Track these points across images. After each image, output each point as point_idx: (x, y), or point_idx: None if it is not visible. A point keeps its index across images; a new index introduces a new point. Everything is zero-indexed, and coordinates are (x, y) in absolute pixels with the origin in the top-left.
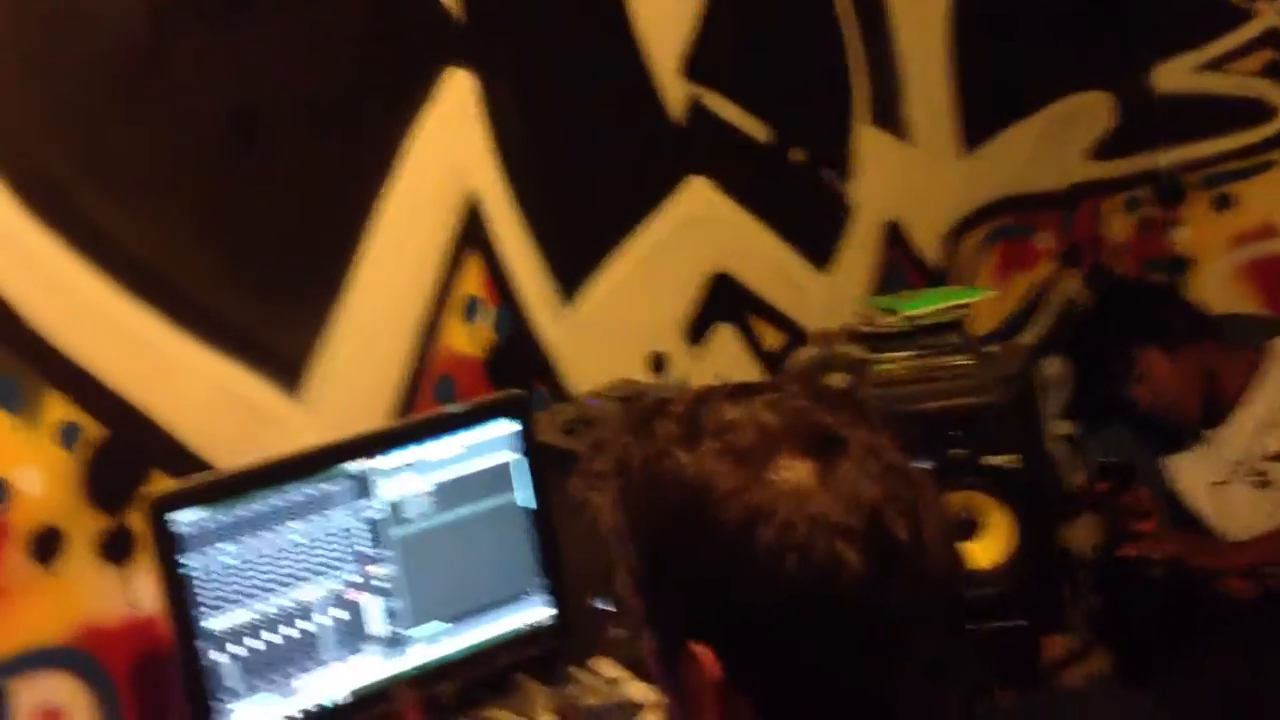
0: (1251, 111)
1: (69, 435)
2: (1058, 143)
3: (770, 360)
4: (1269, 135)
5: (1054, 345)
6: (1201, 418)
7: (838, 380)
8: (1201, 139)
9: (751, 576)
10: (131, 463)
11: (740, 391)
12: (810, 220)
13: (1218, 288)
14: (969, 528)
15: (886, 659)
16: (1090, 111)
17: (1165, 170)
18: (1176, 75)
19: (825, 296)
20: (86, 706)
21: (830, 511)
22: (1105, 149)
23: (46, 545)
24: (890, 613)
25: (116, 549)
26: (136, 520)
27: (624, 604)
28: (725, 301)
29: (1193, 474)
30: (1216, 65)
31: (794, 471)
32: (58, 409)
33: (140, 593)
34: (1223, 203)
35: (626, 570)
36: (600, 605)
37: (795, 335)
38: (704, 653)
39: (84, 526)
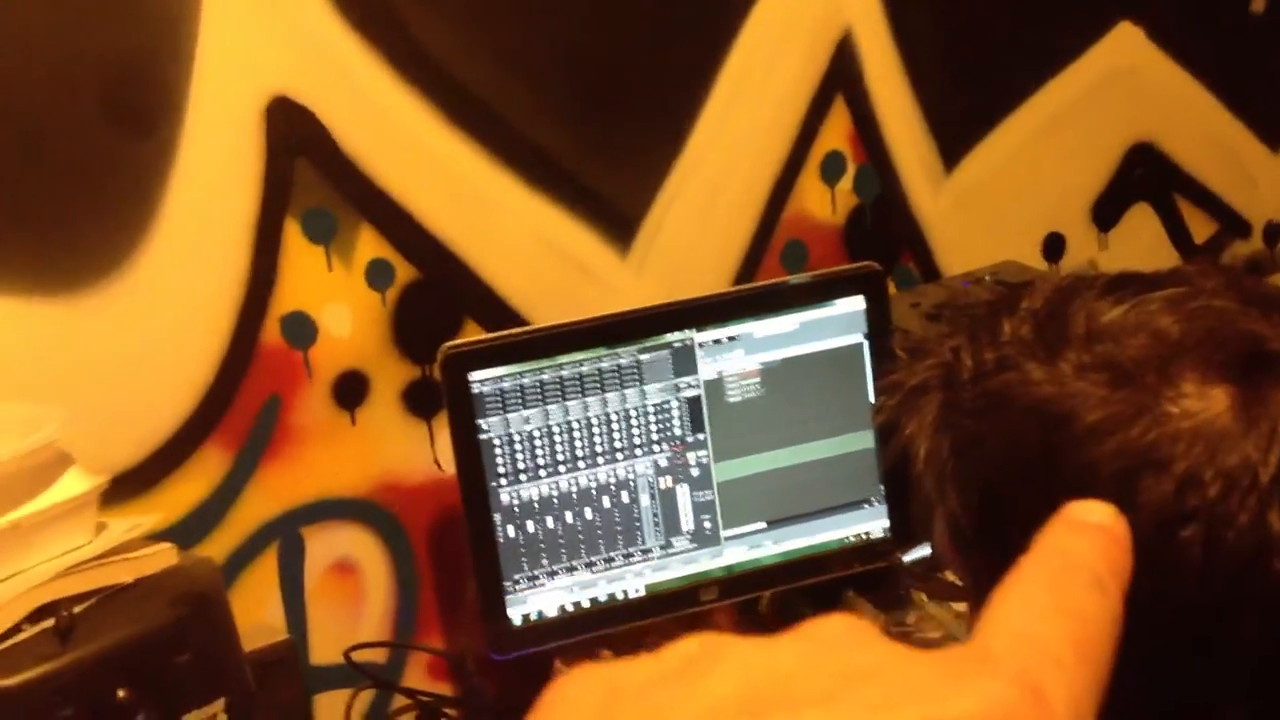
0: None
1: (380, 275)
2: None
3: (1197, 253)
4: None
5: None
6: None
7: None
8: None
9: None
10: (444, 310)
11: (1128, 284)
12: (1268, 85)
13: None
14: None
15: None
16: None
17: None
18: None
19: (1279, 180)
20: (382, 564)
21: (1259, 465)
22: None
23: (351, 391)
24: None
25: (423, 401)
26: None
27: (942, 561)
28: (1147, 179)
29: None
30: None
31: (1205, 401)
32: (370, 246)
33: (446, 451)
34: None
35: (945, 520)
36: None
37: (1236, 226)
38: None
39: (390, 374)
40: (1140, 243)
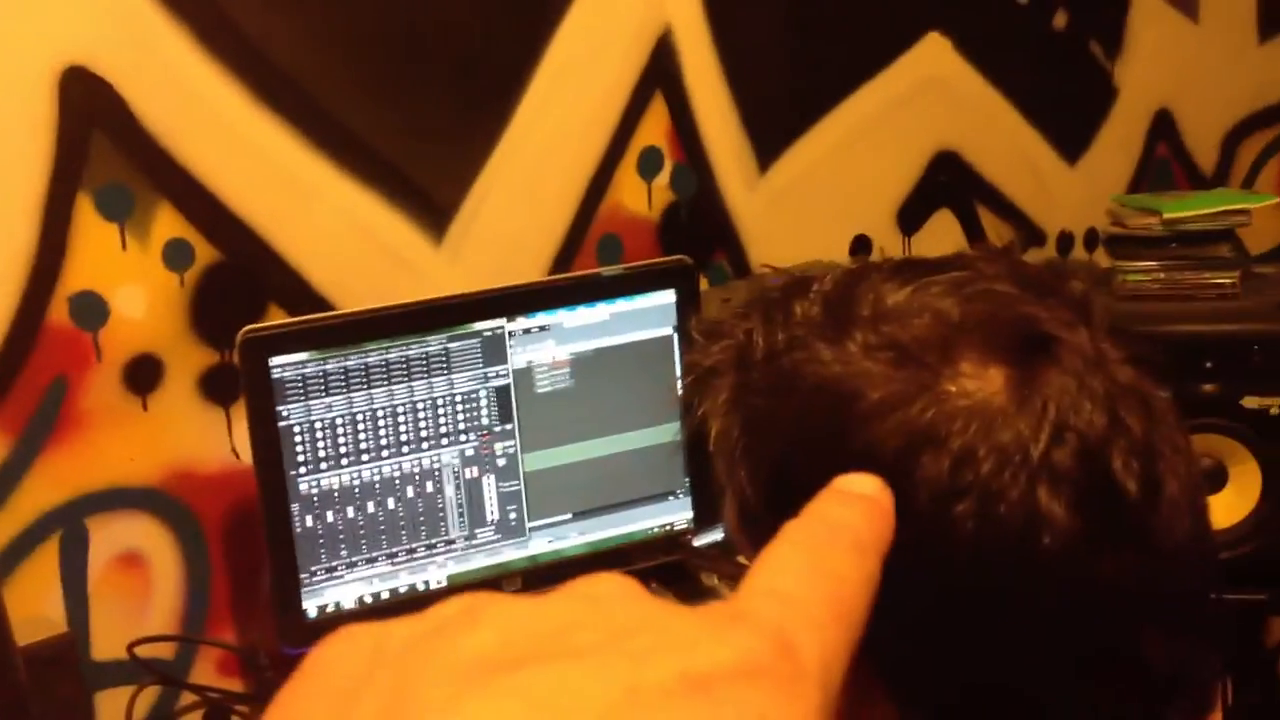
0: None
1: (179, 256)
2: None
3: (982, 242)
4: None
5: None
6: None
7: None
8: None
9: (903, 527)
10: (247, 294)
11: (913, 268)
12: (1066, 101)
13: None
14: (1211, 480)
15: (1094, 663)
16: None
17: None
18: None
19: (1072, 192)
20: (171, 555)
21: (1030, 442)
22: None
23: (143, 375)
24: (1109, 603)
25: (221, 388)
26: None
27: (733, 543)
28: (951, 186)
29: None
30: None
31: (982, 381)
32: (169, 225)
33: (244, 440)
34: None
35: (735, 499)
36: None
37: (1031, 233)
38: None
39: (187, 359)
40: (942, 247)
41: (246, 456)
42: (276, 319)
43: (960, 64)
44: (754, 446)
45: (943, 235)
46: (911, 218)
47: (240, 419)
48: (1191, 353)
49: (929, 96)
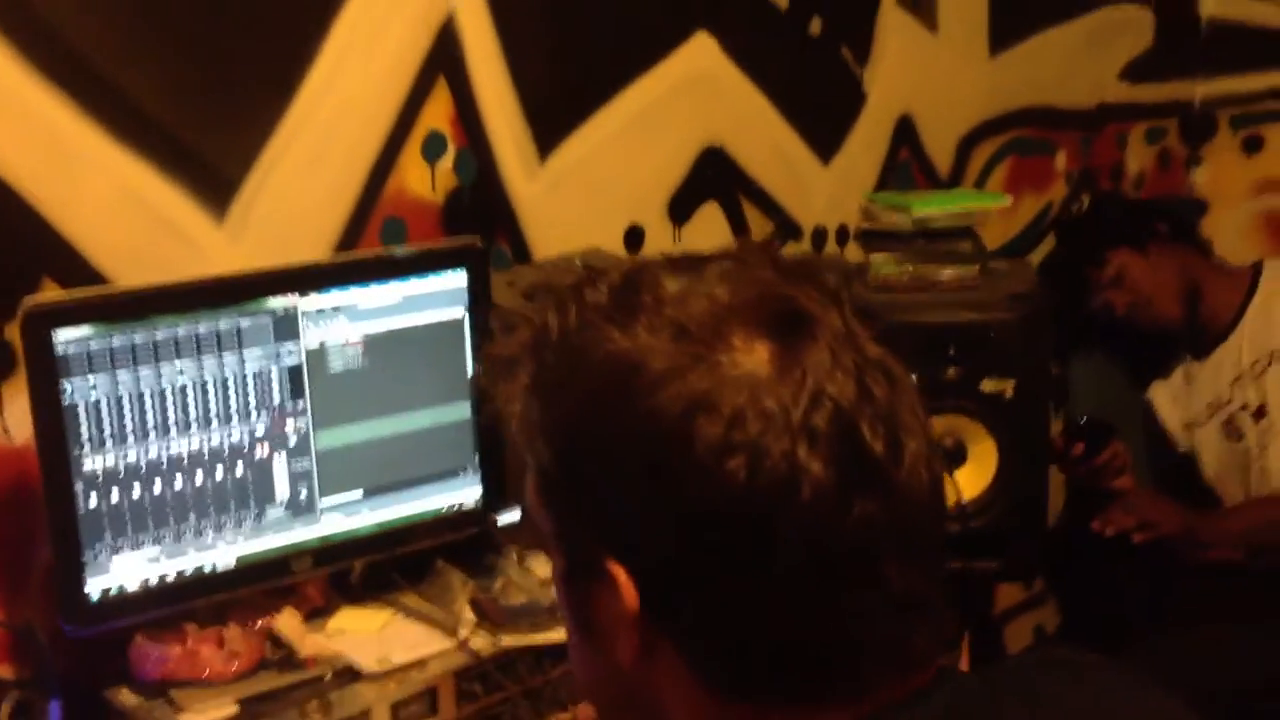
0: None
1: None
2: (1091, 57)
3: (745, 237)
4: None
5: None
6: (1185, 334)
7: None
8: (1241, 72)
9: (686, 481)
10: (16, 266)
11: (688, 261)
12: (820, 103)
13: (1232, 236)
14: (951, 457)
15: (847, 600)
16: (1130, 27)
17: (1198, 102)
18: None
19: (826, 190)
20: None
21: (791, 407)
22: (1138, 70)
23: None
24: (857, 541)
25: None
26: (16, 333)
27: (532, 516)
28: (717, 180)
29: (1173, 407)
30: None
31: (750, 355)
32: None
33: (17, 418)
34: (1251, 145)
35: (534, 472)
36: None
37: (789, 229)
38: (621, 576)
39: None
40: (709, 238)
41: (18, 434)
42: (52, 291)
43: (726, 63)
44: (551, 419)
45: (710, 227)
46: (681, 209)
47: (11, 397)
48: (936, 340)
49: (697, 93)
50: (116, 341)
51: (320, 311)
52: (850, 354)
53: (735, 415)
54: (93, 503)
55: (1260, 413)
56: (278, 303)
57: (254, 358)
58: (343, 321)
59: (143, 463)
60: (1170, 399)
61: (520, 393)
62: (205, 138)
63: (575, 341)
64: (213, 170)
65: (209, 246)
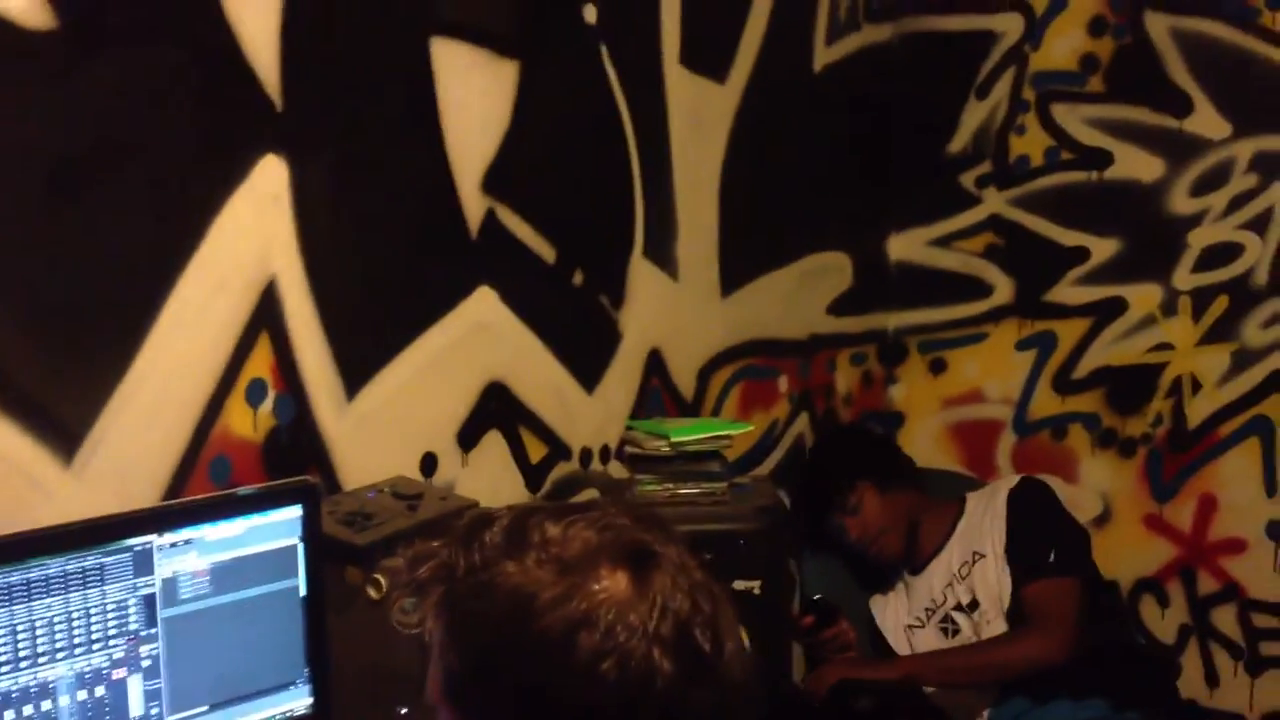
0: (971, 287)
1: None
2: (803, 295)
3: (533, 471)
4: (984, 310)
5: (783, 479)
6: (904, 559)
7: (590, 495)
8: (925, 307)
9: (573, 680)
10: None
11: (563, 510)
12: (584, 342)
13: (926, 444)
14: None
15: None
16: (833, 270)
17: (891, 331)
18: (909, 246)
19: (591, 416)
20: None
21: (646, 620)
22: (842, 305)
23: None
24: (694, 714)
25: None
26: None
27: (434, 711)
28: (499, 410)
29: (893, 615)
30: (945, 242)
31: (614, 582)
32: None
33: None
34: (937, 367)
35: (444, 676)
36: (404, 712)
37: (559, 450)
38: None
39: None
40: (493, 461)
41: None
42: None
43: (505, 312)
44: (462, 636)
45: (493, 451)
46: (469, 437)
47: None
48: (696, 547)
49: (481, 337)
50: None
51: (174, 545)
52: (685, 578)
53: (608, 628)
54: None
55: (973, 605)
56: (136, 540)
57: (114, 591)
58: (193, 554)
59: (14, 691)
60: (889, 608)
61: (433, 610)
62: (58, 393)
63: (480, 576)
64: (63, 422)
65: (58, 491)
